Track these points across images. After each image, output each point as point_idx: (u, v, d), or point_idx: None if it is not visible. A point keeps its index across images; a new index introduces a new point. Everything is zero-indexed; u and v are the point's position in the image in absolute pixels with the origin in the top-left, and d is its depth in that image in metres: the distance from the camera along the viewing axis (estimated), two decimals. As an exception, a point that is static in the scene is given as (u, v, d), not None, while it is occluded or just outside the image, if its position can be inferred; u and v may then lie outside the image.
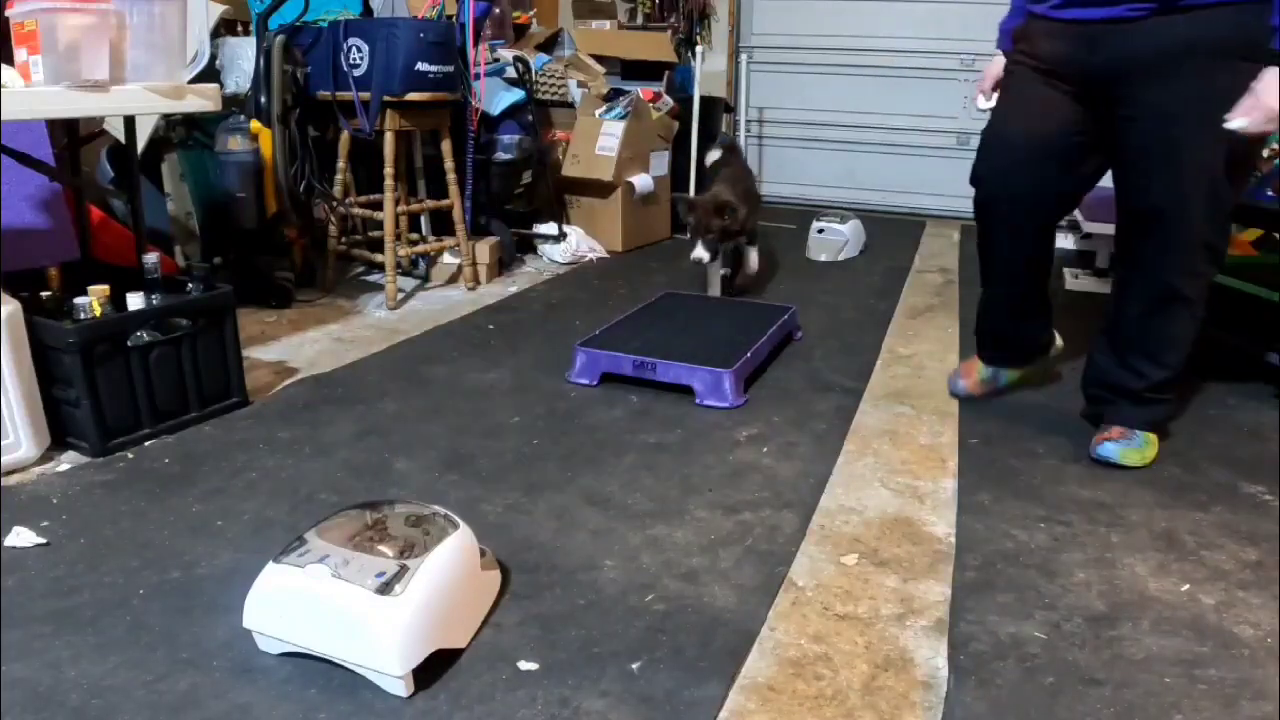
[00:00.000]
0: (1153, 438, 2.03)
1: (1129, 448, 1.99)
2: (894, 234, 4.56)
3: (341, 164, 3.25)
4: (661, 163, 4.24)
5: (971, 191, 2.11)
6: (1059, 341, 2.40)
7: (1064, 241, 4.01)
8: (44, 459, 1.93)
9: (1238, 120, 1.65)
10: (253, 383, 2.33)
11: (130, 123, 2.30)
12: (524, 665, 1.33)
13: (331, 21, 3.08)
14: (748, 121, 5.03)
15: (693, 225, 2.97)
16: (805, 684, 1.31)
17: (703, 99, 4.53)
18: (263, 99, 3.04)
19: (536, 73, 4.08)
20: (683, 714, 1.24)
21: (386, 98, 2.94)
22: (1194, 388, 2.43)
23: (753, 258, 3.34)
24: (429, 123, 3.15)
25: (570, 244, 3.87)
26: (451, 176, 3.24)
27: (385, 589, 1.23)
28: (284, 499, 1.80)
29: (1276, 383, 2.44)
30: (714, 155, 3.64)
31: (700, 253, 2.93)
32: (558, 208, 4.01)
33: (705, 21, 5.36)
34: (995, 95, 2.12)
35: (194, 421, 2.13)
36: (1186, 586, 1.56)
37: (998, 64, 2.11)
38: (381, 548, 1.31)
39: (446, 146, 3.21)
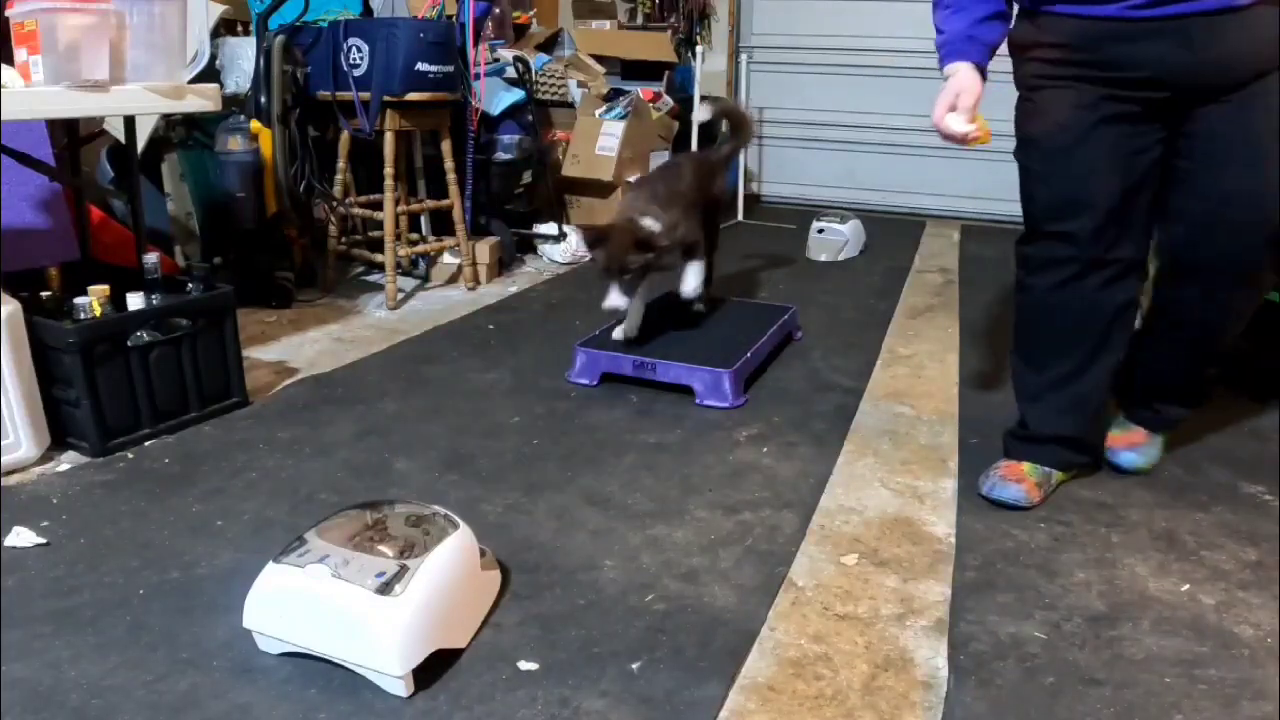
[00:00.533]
0: (1165, 438, 1.99)
1: (1145, 458, 1.95)
2: (894, 234, 4.55)
3: (341, 164, 3.25)
4: (662, 162, 4.24)
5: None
6: None
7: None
8: (44, 459, 1.93)
9: None
10: (253, 383, 2.33)
11: (130, 123, 2.30)
12: (524, 665, 1.33)
13: (331, 21, 3.08)
14: (748, 121, 5.03)
15: (602, 262, 2.29)
16: (805, 684, 1.31)
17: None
18: (263, 99, 3.04)
19: (536, 73, 4.08)
20: (683, 714, 1.24)
21: (386, 98, 2.94)
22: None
23: (691, 278, 2.51)
24: (429, 123, 3.15)
25: (570, 244, 3.86)
26: (451, 176, 3.24)
27: (385, 589, 1.23)
28: (284, 499, 1.80)
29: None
30: (702, 115, 3.03)
31: (615, 300, 2.26)
32: (558, 208, 4.01)
33: (705, 21, 5.36)
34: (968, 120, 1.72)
35: (194, 421, 2.13)
36: (1186, 586, 1.56)
37: (972, 79, 1.72)
38: (381, 548, 1.31)
39: (446, 146, 3.21)
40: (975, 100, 1.72)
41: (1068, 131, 1.68)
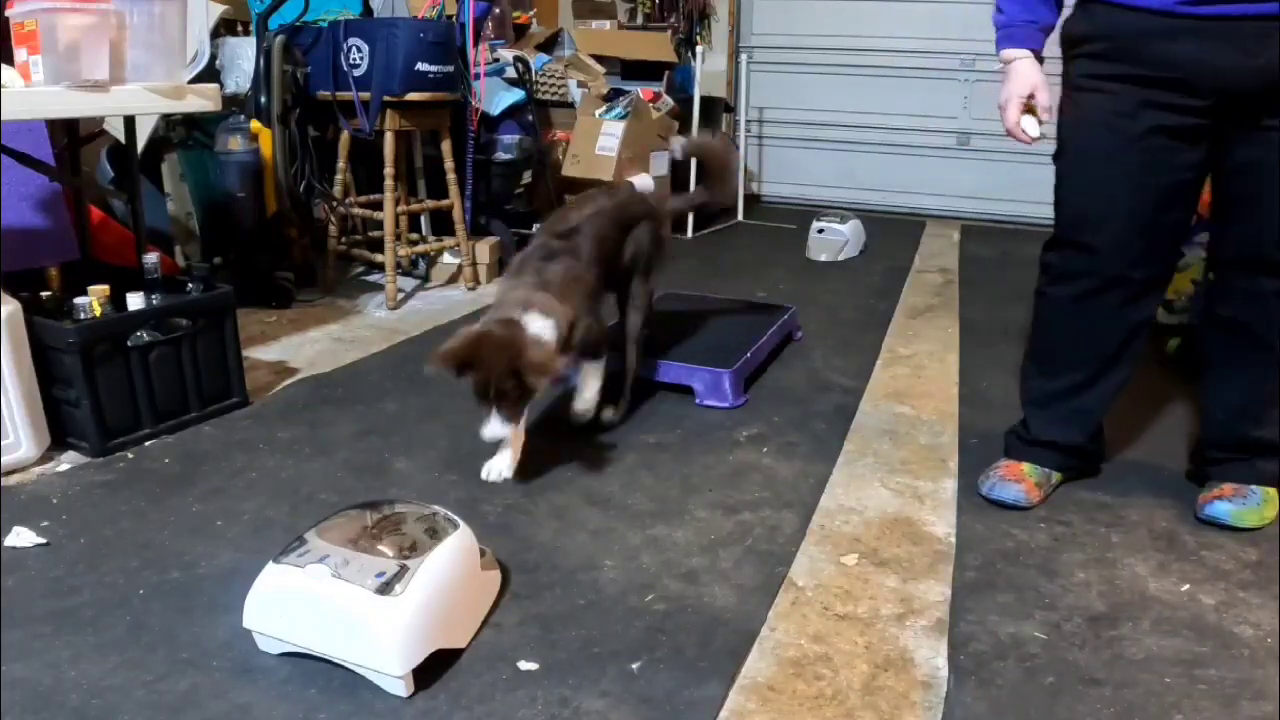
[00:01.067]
0: (1273, 493, 1.78)
1: (1245, 508, 1.74)
2: (894, 234, 4.55)
3: (341, 164, 3.25)
4: (661, 163, 4.24)
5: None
6: None
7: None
8: (44, 459, 1.93)
9: None
10: (253, 383, 2.33)
11: (130, 123, 2.30)
12: (524, 665, 1.33)
13: (331, 21, 3.08)
14: (748, 121, 5.03)
15: (475, 387, 1.73)
16: (805, 684, 1.31)
17: (703, 99, 4.53)
18: (263, 99, 3.04)
19: (536, 73, 4.08)
20: (683, 714, 1.24)
21: (386, 98, 2.94)
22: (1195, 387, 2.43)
23: (591, 387, 2.07)
24: (429, 123, 3.15)
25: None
26: (451, 176, 3.24)
27: (385, 589, 1.23)
28: (284, 499, 1.80)
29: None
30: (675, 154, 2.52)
31: (496, 429, 1.74)
32: (558, 208, 4.01)
33: (705, 21, 5.36)
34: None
35: (194, 421, 2.12)
36: (1186, 586, 1.56)
37: (1037, 73, 1.64)
38: (381, 548, 1.31)
39: (446, 146, 3.21)
40: (1049, 98, 1.64)
41: (1103, 139, 1.63)
